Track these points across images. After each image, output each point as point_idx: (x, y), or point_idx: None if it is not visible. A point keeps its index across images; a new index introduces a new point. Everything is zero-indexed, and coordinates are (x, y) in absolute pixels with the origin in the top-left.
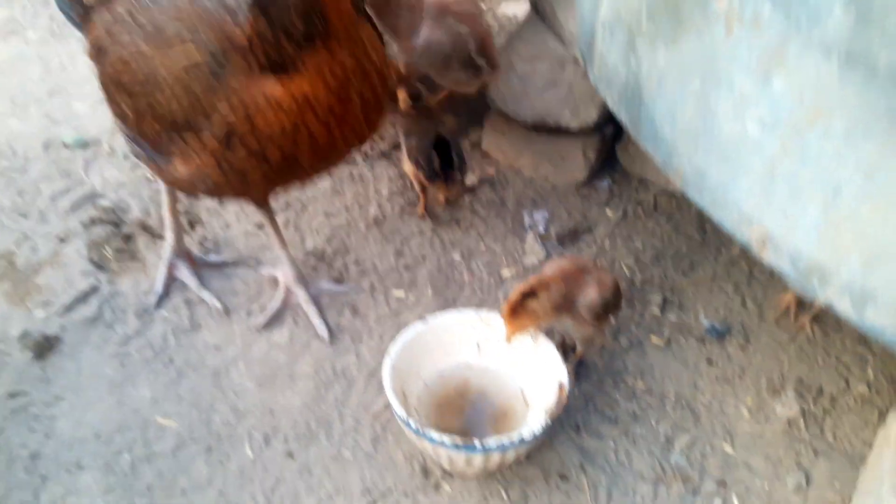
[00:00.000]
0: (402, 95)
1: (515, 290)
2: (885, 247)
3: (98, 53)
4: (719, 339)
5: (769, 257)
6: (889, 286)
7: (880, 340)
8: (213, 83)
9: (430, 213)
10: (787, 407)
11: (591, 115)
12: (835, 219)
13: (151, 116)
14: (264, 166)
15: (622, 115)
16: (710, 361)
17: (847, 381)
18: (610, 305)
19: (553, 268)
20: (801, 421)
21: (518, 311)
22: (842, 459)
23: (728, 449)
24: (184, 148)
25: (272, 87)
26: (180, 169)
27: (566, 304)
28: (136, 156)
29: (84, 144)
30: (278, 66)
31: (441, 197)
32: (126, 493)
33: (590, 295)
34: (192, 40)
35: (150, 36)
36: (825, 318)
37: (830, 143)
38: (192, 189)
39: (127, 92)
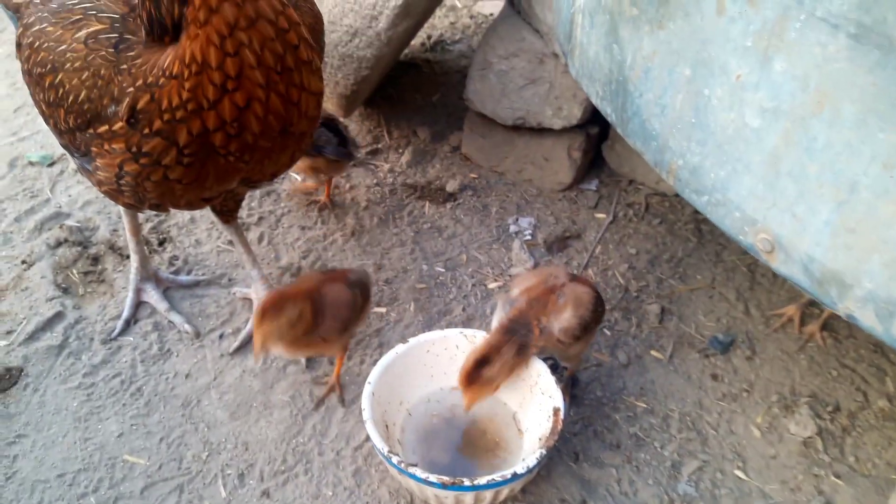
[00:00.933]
0: None
1: (467, 358)
2: None
3: (18, 49)
4: (723, 352)
5: (778, 265)
6: None
7: None
8: (114, 57)
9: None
10: (801, 426)
11: (574, 114)
12: (851, 219)
13: (63, 108)
14: (177, 152)
15: (607, 111)
16: (714, 376)
17: (865, 395)
18: (590, 323)
19: (519, 291)
20: (819, 441)
21: (474, 381)
22: (866, 483)
23: (740, 474)
24: (98, 143)
25: (164, 54)
26: (101, 169)
27: (535, 338)
28: (78, 168)
29: (51, 162)
30: (166, 29)
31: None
32: None
33: (564, 318)
34: (95, 15)
35: (58, 16)
36: (835, 325)
37: (840, 133)
38: (119, 196)
39: (38, 83)
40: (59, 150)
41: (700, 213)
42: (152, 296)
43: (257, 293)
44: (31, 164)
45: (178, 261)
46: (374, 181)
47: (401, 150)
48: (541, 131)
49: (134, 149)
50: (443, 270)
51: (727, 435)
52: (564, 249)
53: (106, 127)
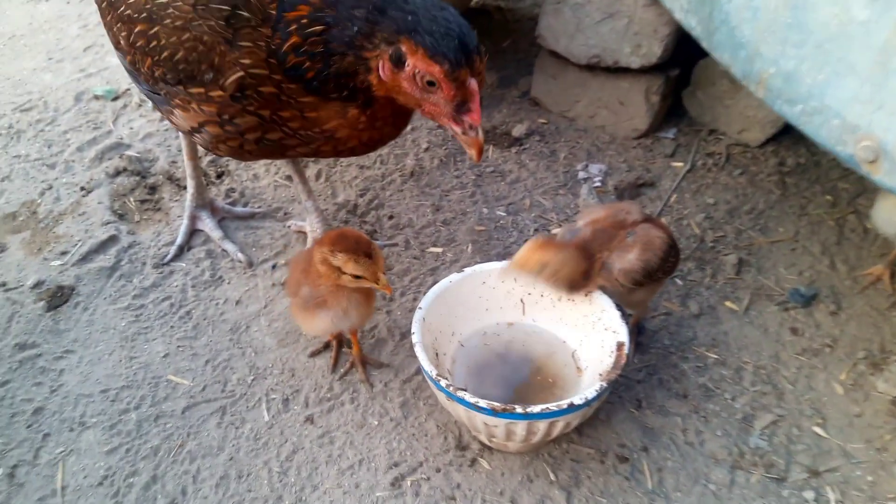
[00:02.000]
0: None
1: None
2: None
3: None
4: (805, 305)
5: (882, 175)
6: None
7: None
8: (223, 29)
9: None
10: (891, 384)
11: (654, 51)
12: None
13: (151, 59)
14: (263, 133)
15: (692, 24)
16: (794, 330)
17: None
18: (656, 271)
19: (584, 222)
20: None
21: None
22: None
23: (819, 431)
24: (184, 98)
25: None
26: (179, 118)
27: (595, 271)
28: (146, 96)
29: (115, 96)
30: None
31: None
32: (129, 454)
33: (627, 259)
34: None
35: None
36: None
37: None
38: (189, 136)
39: (126, 23)
40: (125, 86)
41: (784, 164)
42: (207, 224)
43: (312, 226)
44: (97, 97)
45: (234, 193)
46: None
47: None
48: (616, 72)
49: (225, 116)
50: (504, 214)
51: (806, 391)
52: (637, 197)
53: (201, 90)
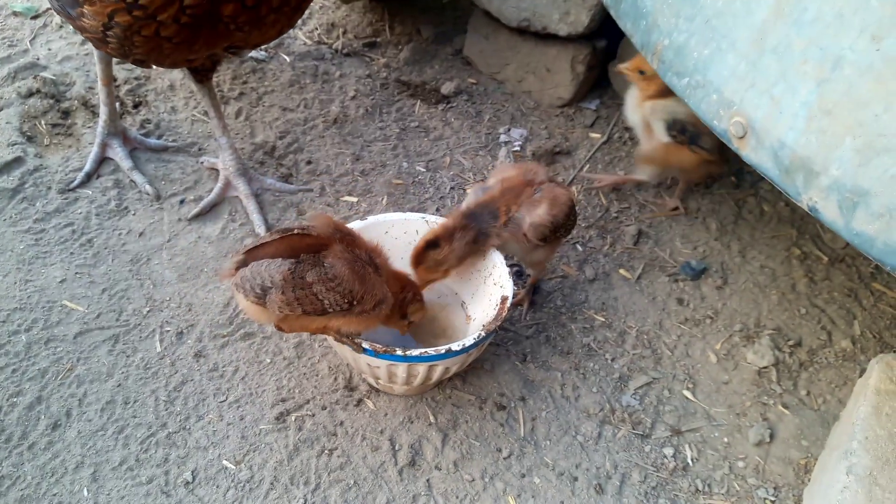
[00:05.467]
0: None
1: (421, 238)
2: (884, 133)
3: None
4: (694, 279)
5: (748, 151)
6: (885, 183)
7: (869, 253)
8: None
9: None
10: (759, 355)
11: (581, 21)
12: (829, 100)
13: None
14: (178, 9)
15: None
16: (680, 301)
17: (830, 335)
18: (559, 227)
19: (495, 180)
20: (774, 372)
21: (421, 262)
22: (812, 416)
23: (688, 394)
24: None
25: None
26: (88, 16)
27: (499, 226)
28: (56, 11)
29: (35, 14)
30: None
31: None
32: (15, 375)
33: (537, 214)
34: None
35: None
36: (813, 267)
37: (833, 2)
38: (103, 46)
39: None
40: (46, 4)
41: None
42: (118, 153)
43: (224, 163)
44: (15, 14)
45: (150, 124)
46: (367, 73)
47: (400, 47)
48: (546, 38)
49: (134, 8)
50: (423, 170)
51: (682, 357)
52: (552, 164)
53: None
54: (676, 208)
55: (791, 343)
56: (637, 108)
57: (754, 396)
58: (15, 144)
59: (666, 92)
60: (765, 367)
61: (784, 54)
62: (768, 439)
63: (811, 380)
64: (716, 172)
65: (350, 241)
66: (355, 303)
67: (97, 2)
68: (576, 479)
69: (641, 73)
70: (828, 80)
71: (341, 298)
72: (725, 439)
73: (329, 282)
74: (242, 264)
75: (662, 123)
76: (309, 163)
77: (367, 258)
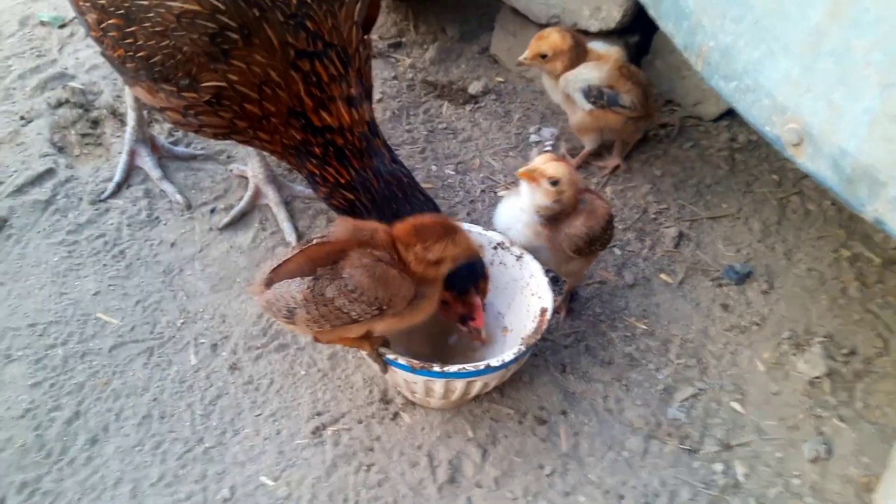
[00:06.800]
0: None
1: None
2: None
3: None
4: (738, 283)
5: (805, 160)
6: None
7: None
8: (206, 45)
9: None
10: (811, 365)
11: (613, 16)
12: (894, 105)
13: (124, 50)
14: (223, 131)
15: None
16: (725, 307)
17: (886, 343)
18: (595, 240)
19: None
20: (827, 383)
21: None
22: (871, 430)
23: (737, 406)
24: (152, 87)
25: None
26: (140, 96)
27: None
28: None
29: (62, 23)
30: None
31: None
32: (53, 389)
33: (574, 225)
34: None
35: None
36: (865, 269)
37: None
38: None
39: (101, 8)
40: (72, 14)
41: (736, 140)
42: (146, 161)
43: (253, 171)
44: (43, 23)
45: (178, 132)
46: (392, 74)
47: (425, 47)
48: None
49: (191, 112)
50: (452, 173)
51: (729, 366)
52: (584, 165)
53: (174, 88)
54: (618, 166)
55: (844, 351)
56: (553, 88)
57: (807, 408)
58: (47, 156)
59: (573, 63)
60: (817, 377)
61: (843, 57)
62: (825, 455)
63: (868, 391)
64: (645, 126)
65: (371, 242)
66: (385, 308)
67: (158, 98)
68: (622, 497)
69: (543, 56)
70: (893, 85)
71: (368, 307)
72: (778, 454)
73: (350, 294)
74: (269, 284)
75: (580, 93)
76: None
77: (388, 258)
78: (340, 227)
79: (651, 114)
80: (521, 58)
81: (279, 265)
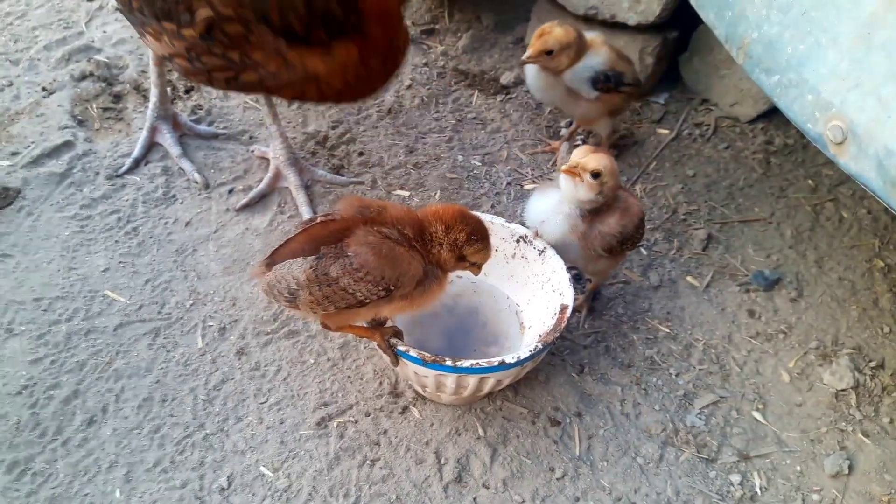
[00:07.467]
0: None
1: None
2: None
3: None
4: (767, 289)
5: (847, 160)
6: None
7: None
8: None
9: None
10: (837, 377)
11: (653, 9)
12: None
13: None
14: (233, 75)
15: None
16: (751, 313)
17: None
18: (627, 240)
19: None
20: (853, 396)
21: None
22: None
23: (758, 416)
24: (156, 30)
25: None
26: (151, 45)
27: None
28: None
29: None
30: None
31: None
32: (54, 366)
33: (607, 223)
34: None
35: None
36: None
37: None
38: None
39: None
40: None
41: (772, 143)
42: (167, 138)
43: (275, 153)
44: None
45: (201, 110)
46: (424, 61)
47: (459, 35)
48: (613, 27)
49: (193, 54)
50: (479, 164)
51: (752, 375)
52: (617, 160)
53: (174, 27)
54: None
55: (873, 364)
56: (551, 85)
57: (831, 422)
58: (66, 128)
59: (578, 56)
60: (843, 390)
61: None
62: (846, 471)
63: (895, 406)
64: (636, 100)
65: (378, 219)
66: (392, 288)
67: (163, 42)
68: None
69: (548, 53)
70: None
71: (374, 287)
72: (798, 468)
73: (356, 272)
74: (270, 266)
75: (588, 83)
76: (361, 154)
77: (397, 235)
78: (345, 203)
79: (639, 90)
80: (524, 56)
81: (280, 246)
